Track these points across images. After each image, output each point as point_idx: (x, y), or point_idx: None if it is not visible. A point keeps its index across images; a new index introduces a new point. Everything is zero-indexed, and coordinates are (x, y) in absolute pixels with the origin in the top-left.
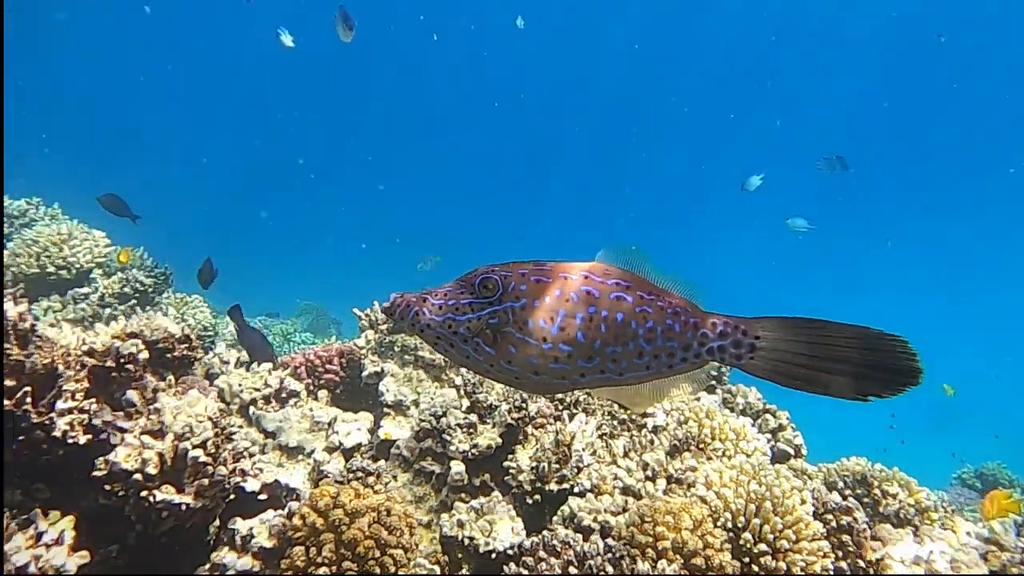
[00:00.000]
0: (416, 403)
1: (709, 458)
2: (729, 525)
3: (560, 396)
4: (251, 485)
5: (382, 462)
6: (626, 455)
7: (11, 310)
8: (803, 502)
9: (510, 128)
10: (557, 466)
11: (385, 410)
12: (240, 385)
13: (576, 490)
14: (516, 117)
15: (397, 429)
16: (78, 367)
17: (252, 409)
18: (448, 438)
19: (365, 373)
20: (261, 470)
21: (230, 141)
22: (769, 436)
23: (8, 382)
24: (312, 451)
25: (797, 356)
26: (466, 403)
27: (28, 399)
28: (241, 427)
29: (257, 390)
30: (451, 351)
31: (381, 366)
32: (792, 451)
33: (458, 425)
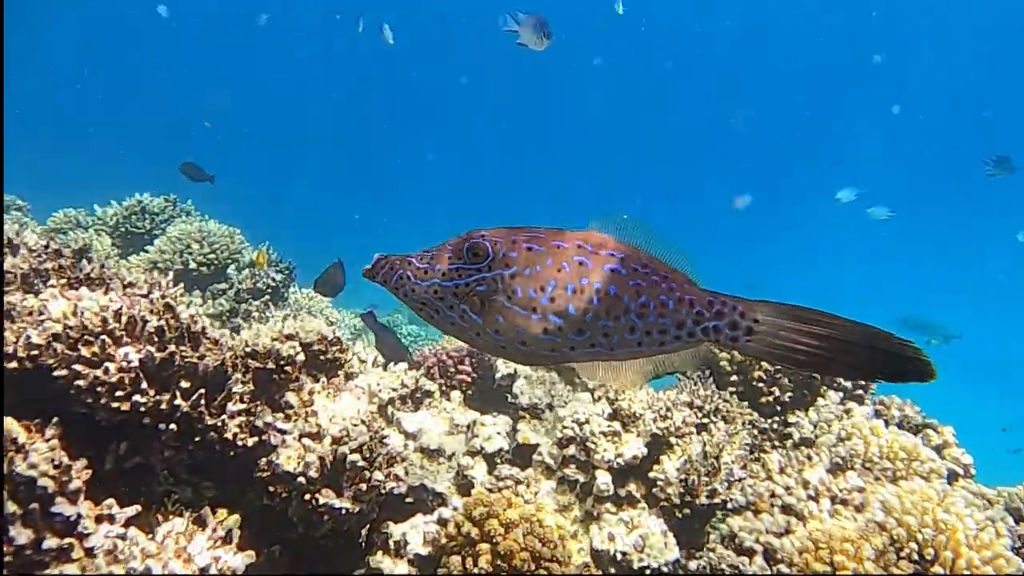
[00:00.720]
0: (551, 406)
1: (878, 479)
2: (915, 557)
3: (700, 404)
4: (400, 488)
5: (530, 471)
6: (782, 471)
7: (183, 312)
8: (999, 535)
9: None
10: (707, 479)
11: (520, 413)
12: (379, 384)
13: (729, 506)
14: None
15: (533, 433)
16: (244, 369)
17: (391, 409)
18: (592, 446)
19: (498, 375)
20: (407, 472)
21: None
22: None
23: (184, 383)
24: (452, 454)
25: (797, 344)
26: (607, 409)
27: (203, 402)
28: (383, 428)
29: (395, 390)
30: (436, 317)
31: (514, 368)
32: (961, 471)
33: (602, 433)
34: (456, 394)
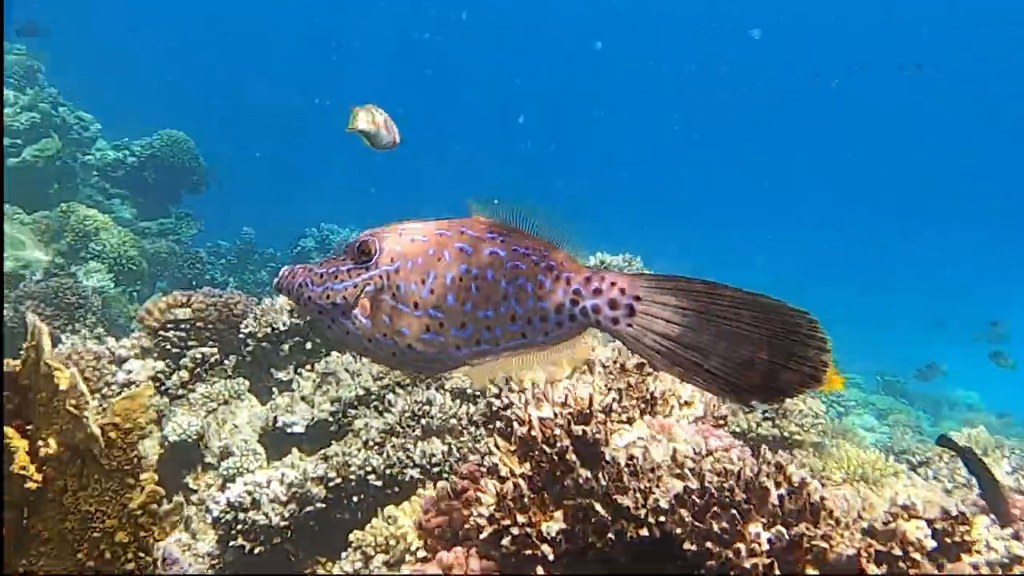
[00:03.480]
0: None
1: None
2: None
3: None
4: None
5: None
6: None
7: (794, 474)
8: None
9: None
10: None
11: None
12: None
13: None
14: None
15: None
16: (873, 559)
17: None
18: None
19: None
20: None
21: None
22: None
23: (810, 571)
24: None
25: (676, 327)
26: None
27: None
28: None
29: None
30: (333, 327)
31: None
32: None
33: None
34: None
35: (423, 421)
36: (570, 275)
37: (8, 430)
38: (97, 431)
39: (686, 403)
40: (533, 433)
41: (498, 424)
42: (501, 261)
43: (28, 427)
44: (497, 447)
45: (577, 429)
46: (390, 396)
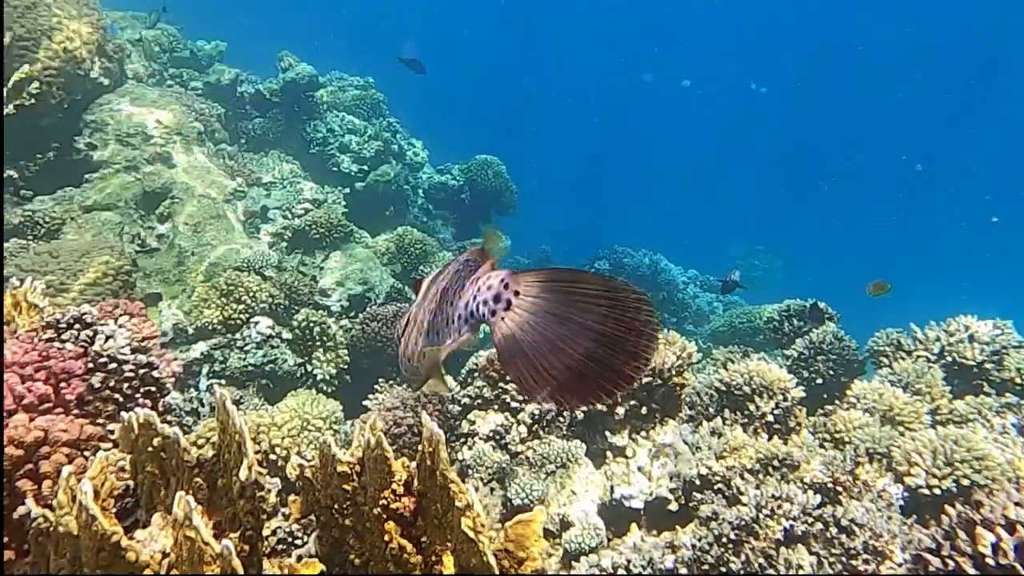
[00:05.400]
0: None
1: None
2: None
3: None
4: None
5: None
6: None
7: None
8: None
9: None
10: None
11: None
12: None
13: None
14: None
15: None
16: None
17: None
18: None
19: None
20: None
21: None
22: None
23: None
24: None
25: (540, 323)
26: None
27: None
28: None
29: None
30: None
31: None
32: None
33: None
34: None
35: (783, 523)
36: (478, 275)
37: (406, 543)
38: (493, 560)
39: None
40: None
41: None
42: (456, 277)
43: (423, 539)
44: None
45: None
46: (738, 481)
